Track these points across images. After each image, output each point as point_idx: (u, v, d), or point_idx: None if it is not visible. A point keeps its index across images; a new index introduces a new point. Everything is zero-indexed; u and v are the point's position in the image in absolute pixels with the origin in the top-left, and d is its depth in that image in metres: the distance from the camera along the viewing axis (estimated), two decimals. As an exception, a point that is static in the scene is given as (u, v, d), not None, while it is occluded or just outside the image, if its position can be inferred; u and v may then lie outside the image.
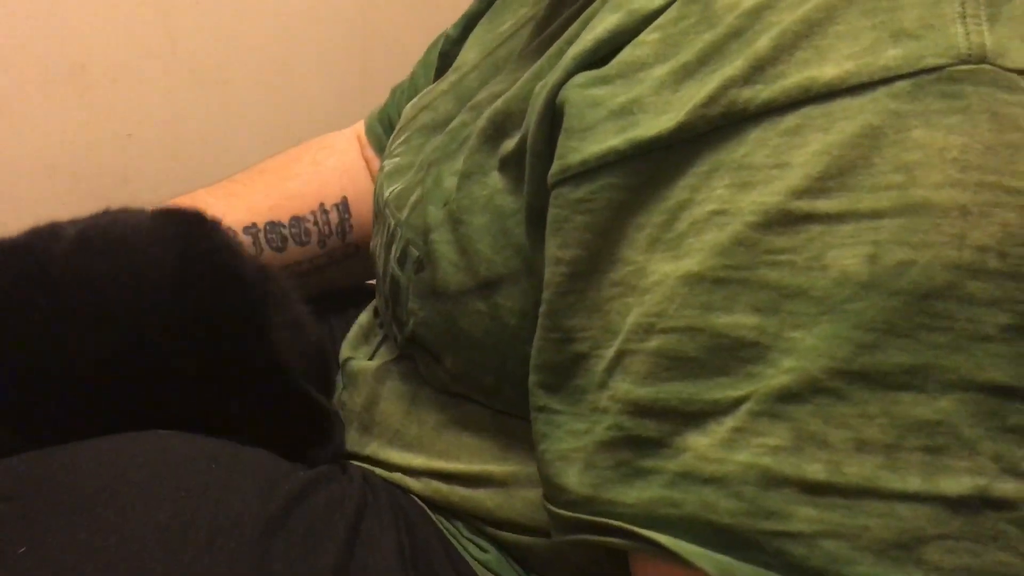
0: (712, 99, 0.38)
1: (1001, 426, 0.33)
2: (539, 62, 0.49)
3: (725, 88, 0.38)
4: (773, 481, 0.35)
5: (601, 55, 0.42)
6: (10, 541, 0.44)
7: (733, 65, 0.38)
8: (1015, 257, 0.34)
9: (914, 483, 0.33)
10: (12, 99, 1.11)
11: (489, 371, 0.51)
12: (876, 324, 0.34)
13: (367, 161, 0.84)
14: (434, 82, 0.73)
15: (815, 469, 0.34)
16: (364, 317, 0.70)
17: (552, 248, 0.42)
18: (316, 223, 0.79)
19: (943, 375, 0.34)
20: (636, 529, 0.37)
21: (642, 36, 0.41)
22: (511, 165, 0.48)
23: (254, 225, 0.77)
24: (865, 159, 0.35)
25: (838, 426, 0.34)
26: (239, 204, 0.77)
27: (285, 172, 0.81)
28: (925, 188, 0.34)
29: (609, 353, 0.40)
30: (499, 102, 0.51)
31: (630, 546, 0.38)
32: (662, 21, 0.41)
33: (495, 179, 0.49)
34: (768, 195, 0.36)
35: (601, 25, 0.43)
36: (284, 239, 0.78)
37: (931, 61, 0.35)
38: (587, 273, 0.41)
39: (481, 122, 0.52)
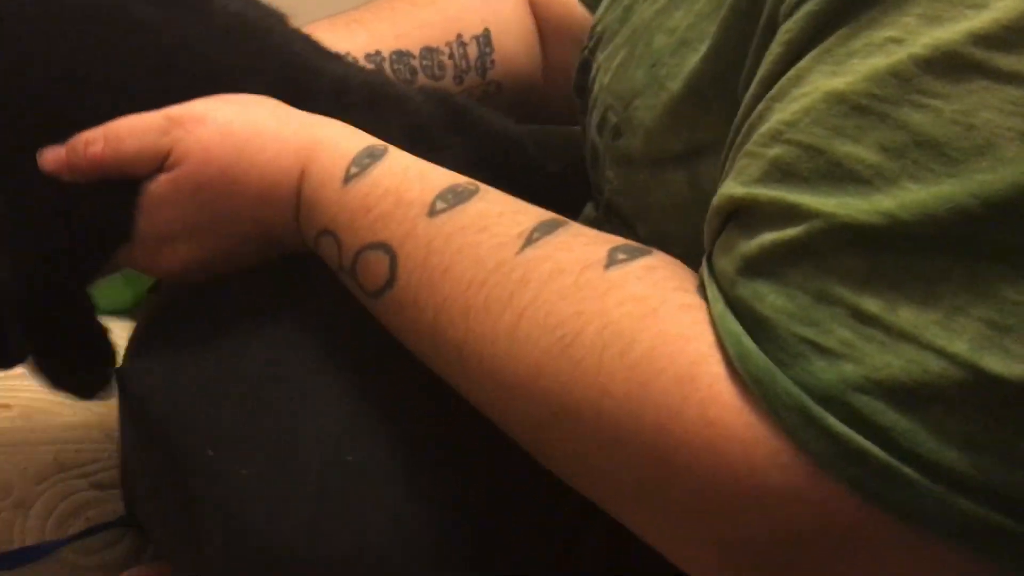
0: None
1: None
2: None
3: None
4: (827, 298, 0.34)
5: None
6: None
7: None
8: None
9: (960, 347, 0.32)
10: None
11: (679, 243, 0.47)
12: (996, 200, 0.32)
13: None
14: None
15: (872, 303, 0.34)
16: None
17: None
18: (452, 56, 0.72)
19: None
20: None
21: None
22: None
23: (378, 53, 0.69)
24: None
25: (913, 275, 0.33)
26: (361, 31, 0.70)
27: None
28: None
29: (738, 155, 0.39)
30: None
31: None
32: None
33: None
34: (949, 32, 0.34)
35: None
36: (414, 71, 0.71)
37: None
38: (763, 92, 0.39)
39: None
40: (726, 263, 0.38)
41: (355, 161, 0.50)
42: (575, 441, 0.41)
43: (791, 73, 0.38)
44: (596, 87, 0.57)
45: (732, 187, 0.38)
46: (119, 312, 0.80)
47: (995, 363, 0.32)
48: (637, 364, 0.38)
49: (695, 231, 0.46)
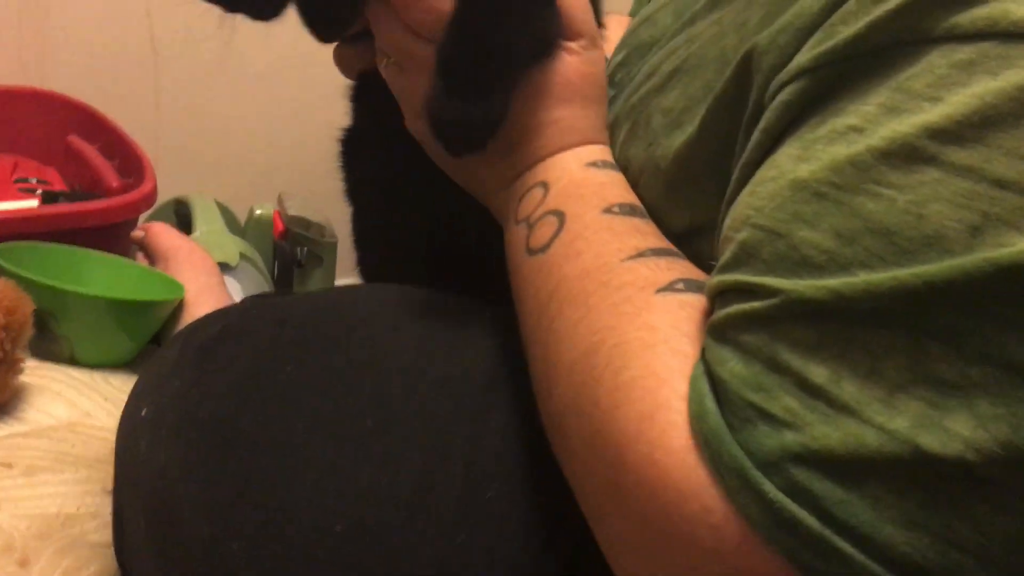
0: (900, 13, 0.36)
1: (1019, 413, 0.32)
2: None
3: (918, 3, 0.36)
4: (778, 366, 0.35)
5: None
6: (280, 358, 0.54)
7: None
8: None
9: (900, 424, 0.33)
10: None
11: None
12: (944, 287, 0.32)
13: None
14: None
15: (818, 372, 0.34)
16: None
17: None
18: None
19: (988, 348, 0.32)
20: None
21: None
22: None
23: None
24: (1015, 118, 0.33)
25: (858, 347, 0.34)
26: None
27: None
28: None
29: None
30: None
31: None
32: None
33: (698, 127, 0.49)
34: (905, 125, 0.35)
35: None
36: None
37: None
38: (742, 176, 0.42)
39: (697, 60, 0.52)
40: (708, 329, 0.40)
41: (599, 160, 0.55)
42: (573, 437, 0.44)
43: (767, 160, 0.40)
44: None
45: (714, 275, 0.40)
46: (120, 364, 0.81)
47: (933, 442, 0.32)
48: (621, 387, 0.40)
49: None
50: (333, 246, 1.19)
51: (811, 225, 0.36)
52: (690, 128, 0.50)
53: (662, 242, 0.50)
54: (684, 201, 0.51)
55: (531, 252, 0.52)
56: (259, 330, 0.57)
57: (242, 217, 1.23)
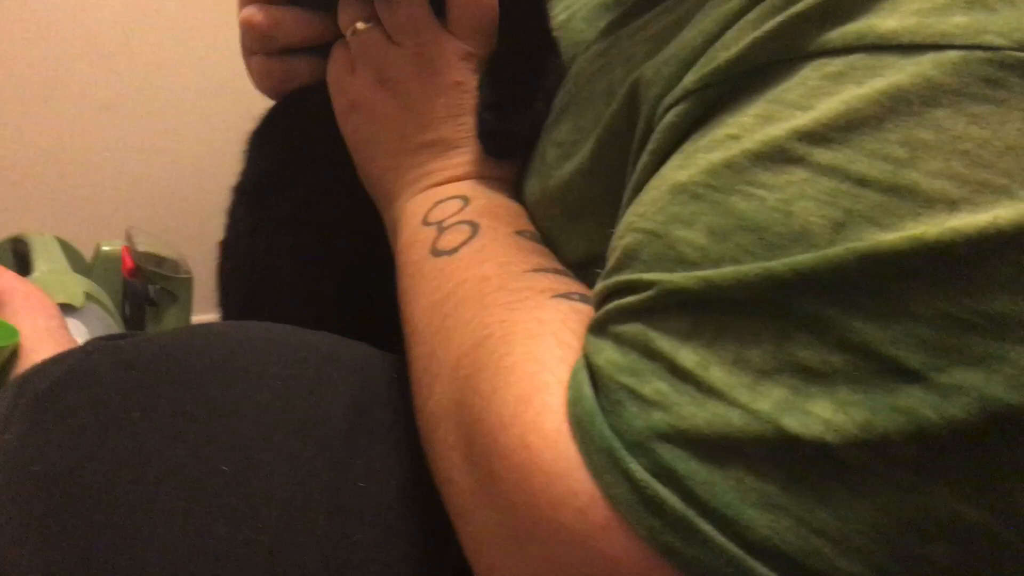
0: (776, 33, 0.38)
1: (886, 401, 0.32)
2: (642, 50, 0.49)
3: (792, 24, 0.38)
4: (651, 353, 0.36)
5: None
6: (126, 405, 0.50)
7: (805, 3, 0.37)
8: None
9: (763, 406, 0.33)
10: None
11: None
12: (804, 270, 0.33)
13: None
14: None
15: (689, 358, 0.35)
16: None
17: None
18: None
19: (848, 335, 0.33)
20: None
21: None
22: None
23: None
24: (877, 120, 0.34)
25: (728, 335, 0.35)
26: None
27: None
28: (920, 173, 0.33)
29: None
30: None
31: None
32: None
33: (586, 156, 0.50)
34: (777, 129, 0.36)
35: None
36: None
37: (990, 39, 0.33)
38: (632, 196, 0.42)
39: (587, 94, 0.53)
40: (589, 327, 0.41)
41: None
42: (450, 433, 0.43)
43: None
44: None
45: (599, 281, 0.41)
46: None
47: (795, 423, 0.33)
48: (501, 371, 0.41)
49: None
50: (188, 282, 1.14)
51: (687, 224, 0.37)
52: (581, 159, 0.51)
53: (564, 269, 0.51)
54: (579, 231, 0.52)
55: (436, 253, 0.53)
56: (103, 375, 0.53)
57: (88, 254, 1.16)
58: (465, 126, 0.60)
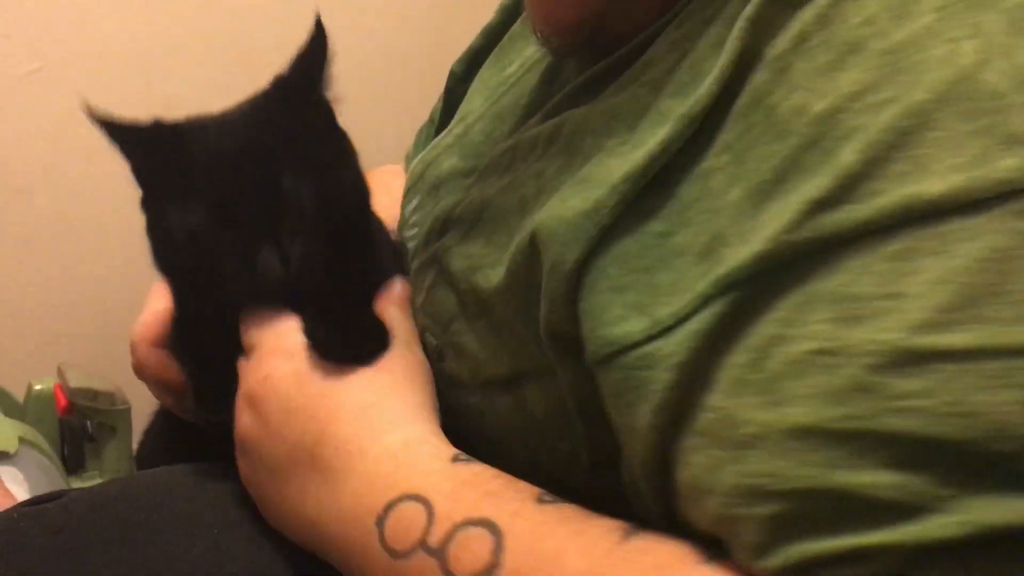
0: (796, 223, 0.34)
1: None
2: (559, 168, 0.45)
3: (811, 210, 0.34)
4: None
5: (653, 173, 0.39)
6: (57, 572, 0.48)
7: (816, 184, 0.34)
8: None
9: None
10: (103, 143, 1.17)
11: (519, 467, 0.45)
12: None
13: None
14: (441, 121, 0.72)
15: None
16: None
17: (633, 416, 0.38)
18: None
19: None
20: None
21: (711, 162, 0.38)
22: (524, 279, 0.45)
23: None
24: (997, 286, 0.31)
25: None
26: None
27: None
28: None
29: (708, 512, 0.36)
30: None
31: None
32: (729, 139, 0.37)
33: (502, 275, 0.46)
34: (884, 331, 0.32)
35: (650, 139, 0.39)
36: None
37: None
38: (668, 426, 0.37)
39: (495, 203, 0.50)
40: None
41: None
42: None
43: (714, 416, 0.36)
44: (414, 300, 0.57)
45: (744, 557, 0.35)
46: None
47: None
48: None
49: (534, 455, 0.46)
50: (126, 412, 1.11)
51: (855, 469, 0.32)
52: (495, 277, 0.47)
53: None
54: (502, 347, 0.48)
55: None
56: (31, 543, 0.50)
57: (20, 395, 1.12)
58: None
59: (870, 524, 0.32)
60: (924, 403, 0.31)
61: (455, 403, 0.52)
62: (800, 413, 0.33)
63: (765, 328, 0.34)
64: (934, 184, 0.32)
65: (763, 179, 0.35)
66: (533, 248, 0.43)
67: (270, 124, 0.54)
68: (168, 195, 0.53)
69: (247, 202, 0.51)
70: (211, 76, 1.30)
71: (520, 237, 0.44)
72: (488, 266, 0.48)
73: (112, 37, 1.27)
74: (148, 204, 0.55)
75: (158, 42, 1.28)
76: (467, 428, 0.51)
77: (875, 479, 0.31)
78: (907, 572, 0.31)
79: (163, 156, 0.53)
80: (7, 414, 1.04)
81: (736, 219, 0.36)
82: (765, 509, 0.34)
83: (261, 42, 1.30)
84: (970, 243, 0.31)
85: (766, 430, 0.34)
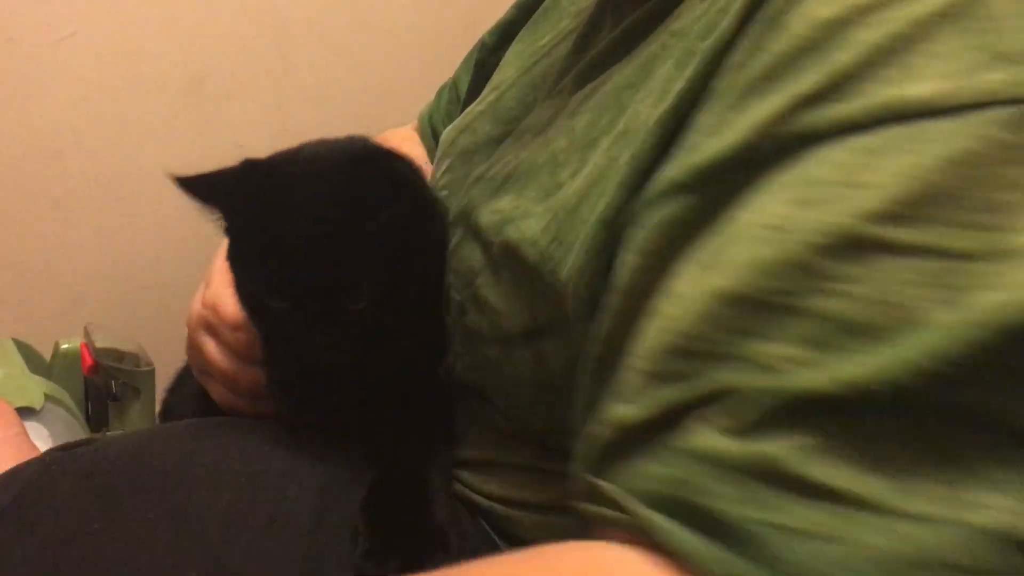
0: (781, 117, 0.35)
1: None
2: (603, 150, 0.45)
3: (797, 105, 0.35)
4: (773, 475, 0.32)
5: (684, 111, 0.40)
6: (87, 516, 0.49)
7: (807, 80, 0.35)
8: None
9: (942, 511, 0.30)
10: (133, 109, 1.23)
11: (538, 417, 0.48)
12: (945, 362, 0.30)
13: None
14: (470, 91, 0.74)
15: (831, 474, 0.31)
16: None
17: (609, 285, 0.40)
18: None
19: (989, 417, 0.31)
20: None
21: (723, 80, 0.38)
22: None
23: None
24: (959, 189, 0.31)
25: (873, 441, 0.31)
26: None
27: None
28: (1017, 233, 0.31)
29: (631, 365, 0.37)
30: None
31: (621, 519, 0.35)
32: (740, 59, 0.38)
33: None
34: (837, 215, 0.33)
35: (680, 81, 0.40)
36: None
37: None
38: (633, 308, 0.38)
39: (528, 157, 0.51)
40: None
41: None
42: None
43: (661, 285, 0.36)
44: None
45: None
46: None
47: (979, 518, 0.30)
48: None
49: (549, 408, 0.47)
50: (150, 374, 1.12)
51: (767, 338, 0.33)
52: (527, 229, 0.48)
53: None
54: (523, 300, 0.49)
55: None
56: (61, 487, 0.51)
57: (46, 354, 1.14)
58: None
59: (749, 378, 0.33)
60: (853, 288, 0.32)
61: (475, 356, 0.54)
62: (725, 279, 0.34)
63: (730, 211, 0.35)
64: (920, 87, 0.33)
65: (753, 75, 0.36)
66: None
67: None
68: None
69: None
70: (243, 41, 1.31)
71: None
72: (519, 218, 0.49)
73: (144, 3, 1.28)
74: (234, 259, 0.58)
75: (190, 8, 1.29)
76: (486, 380, 0.53)
77: (783, 351, 0.32)
78: (773, 418, 0.32)
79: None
80: (34, 372, 1.06)
81: (717, 110, 0.37)
82: (663, 365, 0.35)
83: (294, 9, 1.31)
84: (942, 144, 0.32)
85: (692, 288, 0.35)
